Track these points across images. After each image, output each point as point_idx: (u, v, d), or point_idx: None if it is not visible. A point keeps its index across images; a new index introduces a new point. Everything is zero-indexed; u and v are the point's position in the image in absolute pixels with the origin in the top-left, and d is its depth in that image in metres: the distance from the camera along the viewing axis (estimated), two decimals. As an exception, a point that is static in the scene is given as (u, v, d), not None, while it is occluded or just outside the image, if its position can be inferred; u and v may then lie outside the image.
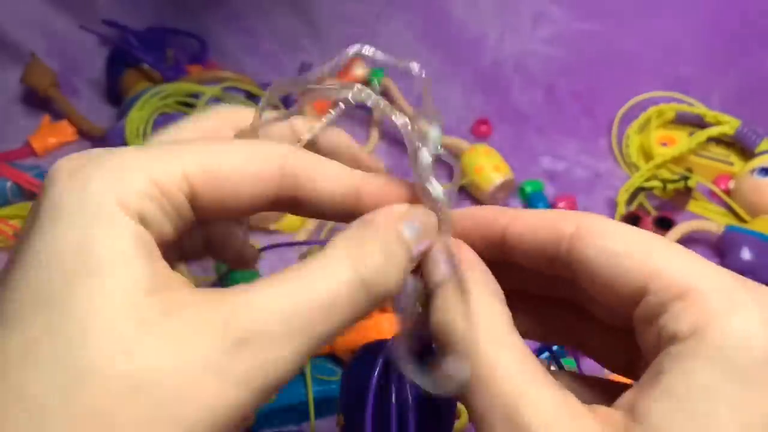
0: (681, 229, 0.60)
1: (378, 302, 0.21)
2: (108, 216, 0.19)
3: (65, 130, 0.71)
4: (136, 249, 0.19)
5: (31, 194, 0.63)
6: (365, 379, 0.24)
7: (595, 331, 0.25)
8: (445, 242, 0.23)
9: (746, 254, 0.59)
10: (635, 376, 0.21)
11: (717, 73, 0.75)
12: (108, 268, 0.18)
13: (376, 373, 0.24)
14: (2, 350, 0.18)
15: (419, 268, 0.23)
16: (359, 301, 0.20)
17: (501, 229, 0.23)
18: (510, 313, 0.22)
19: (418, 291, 0.23)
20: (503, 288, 0.23)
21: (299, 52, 0.79)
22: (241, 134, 0.26)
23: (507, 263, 0.24)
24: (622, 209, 0.65)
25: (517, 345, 0.20)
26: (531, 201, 0.66)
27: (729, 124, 0.69)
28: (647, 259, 0.21)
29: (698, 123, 0.72)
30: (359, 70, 0.76)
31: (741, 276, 0.20)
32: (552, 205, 0.66)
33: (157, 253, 0.20)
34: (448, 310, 0.21)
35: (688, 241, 0.62)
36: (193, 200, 0.21)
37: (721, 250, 0.61)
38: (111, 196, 0.19)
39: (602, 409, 0.20)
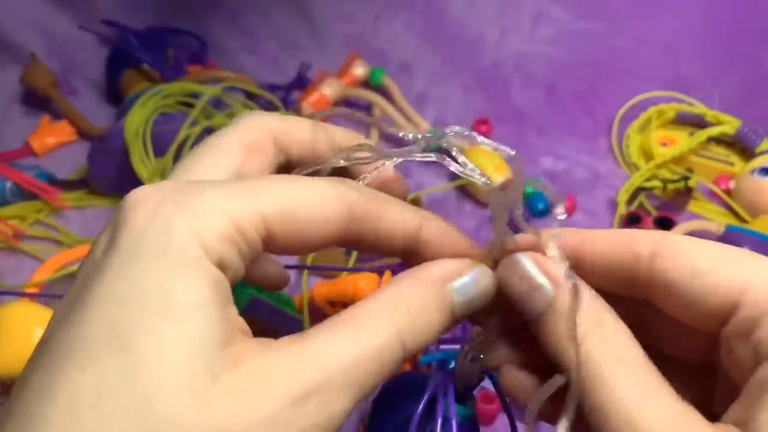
0: (681, 229, 0.60)
1: (414, 354, 0.21)
2: (191, 260, 0.19)
3: (65, 130, 0.71)
4: (213, 297, 0.19)
5: (29, 194, 0.63)
6: (404, 409, 0.25)
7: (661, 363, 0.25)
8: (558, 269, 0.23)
9: (747, 254, 0.59)
10: (707, 408, 0.21)
11: (717, 73, 0.74)
12: (186, 316, 0.18)
13: (419, 410, 0.25)
14: (75, 391, 0.17)
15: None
16: (398, 357, 0.21)
17: (571, 251, 0.23)
18: (627, 329, 0.21)
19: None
20: None
21: (299, 52, 0.79)
22: (301, 164, 0.26)
23: None
24: (622, 209, 0.65)
25: (639, 358, 0.20)
26: (531, 201, 0.66)
27: (729, 124, 0.69)
28: (736, 273, 0.21)
29: (698, 123, 0.72)
30: (359, 70, 0.76)
31: None
32: (552, 205, 0.66)
33: (230, 297, 0.20)
34: (561, 331, 0.21)
35: (688, 241, 0.62)
36: (267, 240, 0.21)
37: (721, 250, 0.61)
38: (194, 239, 0.19)
39: (721, 425, 0.20)
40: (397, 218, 0.23)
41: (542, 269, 0.22)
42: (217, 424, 0.17)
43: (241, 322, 0.20)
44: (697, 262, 0.21)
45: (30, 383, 0.18)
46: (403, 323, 0.21)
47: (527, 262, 0.23)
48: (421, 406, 0.24)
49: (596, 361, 0.20)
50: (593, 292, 0.22)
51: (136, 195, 0.20)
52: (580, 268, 0.23)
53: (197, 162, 0.24)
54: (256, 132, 0.25)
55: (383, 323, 0.21)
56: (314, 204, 0.21)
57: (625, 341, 0.21)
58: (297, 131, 0.26)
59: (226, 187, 0.21)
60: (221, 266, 0.20)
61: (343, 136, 0.27)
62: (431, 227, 0.23)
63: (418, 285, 0.22)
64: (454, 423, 0.24)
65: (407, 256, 0.24)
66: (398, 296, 0.21)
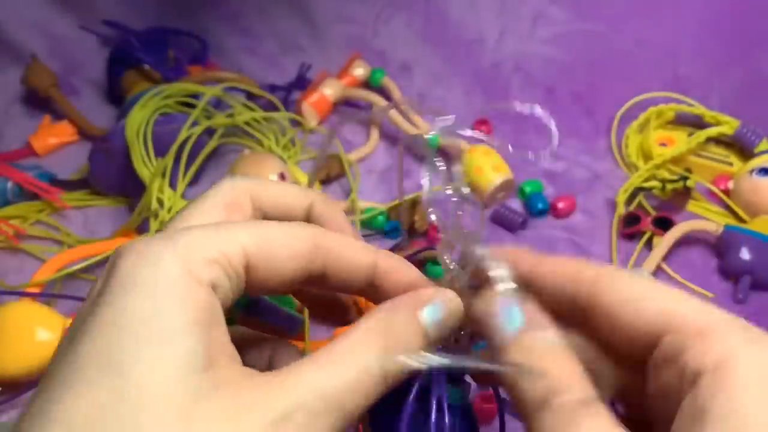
0: (680, 229, 0.60)
1: (396, 380, 0.23)
2: (178, 286, 0.21)
3: (66, 131, 0.71)
4: (200, 320, 0.21)
5: (31, 194, 0.63)
6: (397, 403, 0.25)
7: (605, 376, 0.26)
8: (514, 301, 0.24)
9: (745, 254, 0.59)
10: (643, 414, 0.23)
11: (716, 73, 0.75)
12: (172, 340, 0.20)
13: (410, 399, 0.25)
14: (70, 412, 0.19)
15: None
16: (379, 384, 0.22)
17: (526, 272, 0.25)
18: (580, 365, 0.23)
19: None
20: None
21: (299, 52, 0.79)
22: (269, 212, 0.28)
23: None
24: (621, 209, 0.65)
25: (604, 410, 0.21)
26: (530, 201, 0.66)
27: (728, 125, 0.69)
28: (663, 301, 0.22)
29: (697, 123, 0.72)
30: (359, 71, 0.76)
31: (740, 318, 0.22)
32: (552, 205, 0.66)
33: (221, 318, 0.22)
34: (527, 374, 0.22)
35: (687, 241, 0.62)
36: (247, 272, 0.23)
37: (720, 250, 0.61)
38: (182, 267, 0.21)
39: None
40: (357, 252, 0.25)
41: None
42: None
43: (230, 347, 0.22)
44: (629, 290, 0.23)
45: (31, 409, 0.20)
46: (381, 350, 0.22)
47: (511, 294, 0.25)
48: (414, 391, 0.25)
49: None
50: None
51: (127, 245, 0.22)
52: (533, 288, 0.25)
53: (184, 220, 0.25)
54: (235, 193, 0.27)
55: (362, 352, 0.22)
56: (284, 239, 0.24)
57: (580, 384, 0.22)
58: (270, 191, 0.28)
59: (210, 227, 0.23)
60: (213, 287, 0.21)
61: (318, 197, 0.29)
62: (385, 259, 0.26)
63: (393, 313, 0.24)
64: (445, 403, 0.25)
65: (369, 292, 0.26)
66: (375, 326, 0.23)
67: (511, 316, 0.23)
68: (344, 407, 0.21)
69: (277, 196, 0.28)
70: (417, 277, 0.27)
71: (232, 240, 0.22)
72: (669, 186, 0.64)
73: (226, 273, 0.22)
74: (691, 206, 0.66)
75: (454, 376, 0.26)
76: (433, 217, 0.28)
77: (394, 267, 0.26)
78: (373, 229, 0.63)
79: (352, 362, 0.22)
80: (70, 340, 0.20)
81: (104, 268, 0.22)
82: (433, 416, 0.25)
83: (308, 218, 0.28)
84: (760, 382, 0.20)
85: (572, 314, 0.24)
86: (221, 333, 0.21)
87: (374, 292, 0.26)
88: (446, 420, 0.25)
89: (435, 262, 0.60)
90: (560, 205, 0.66)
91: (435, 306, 0.25)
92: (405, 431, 0.24)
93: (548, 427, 0.21)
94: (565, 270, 0.25)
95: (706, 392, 0.20)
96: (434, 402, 0.25)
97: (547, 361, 0.22)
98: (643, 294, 0.23)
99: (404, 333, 0.23)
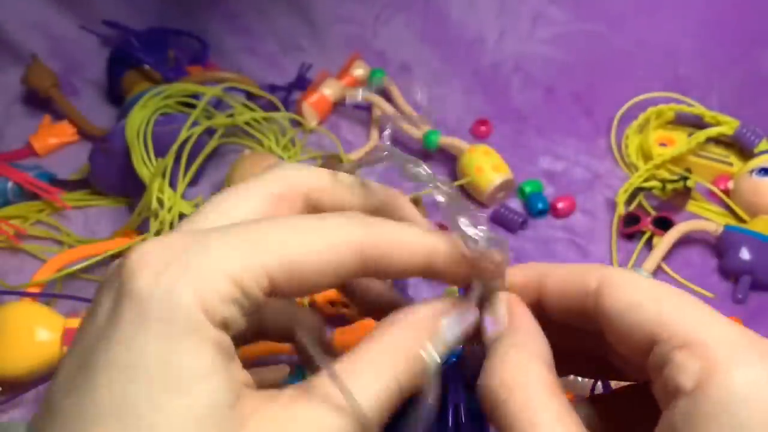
0: (680, 229, 0.60)
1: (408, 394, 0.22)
2: (194, 327, 0.19)
3: (66, 131, 0.72)
4: (217, 360, 0.20)
5: (31, 194, 0.63)
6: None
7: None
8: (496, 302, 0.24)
9: (745, 254, 0.59)
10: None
11: (716, 73, 0.75)
12: (191, 387, 0.19)
13: (430, 399, 0.25)
14: None
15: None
16: (396, 401, 0.22)
17: (536, 290, 0.25)
18: (551, 376, 0.22)
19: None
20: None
21: (299, 52, 0.79)
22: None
23: (544, 323, 0.25)
24: (621, 209, 0.65)
25: (555, 408, 0.21)
26: (530, 201, 0.66)
27: (728, 125, 0.69)
28: (657, 309, 0.21)
29: (697, 123, 0.72)
30: (359, 71, 0.76)
31: (749, 330, 0.21)
32: (552, 205, 0.66)
33: (234, 354, 0.21)
34: (491, 371, 0.22)
35: (687, 241, 0.62)
36: (271, 290, 0.21)
37: (720, 250, 0.61)
38: (197, 305, 0.19)
39: None
40: (410, 249, 0.23)
41: (508, 308, 0.24)
42: None
43: (244, 375, 0.21)
44: (626, 296, 0.22)
45: None
46: (401, 371, 0.22)
47: (499, 299, 0.25)
48: (432, 395, 0.25)
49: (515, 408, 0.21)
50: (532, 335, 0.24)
51: (138, 256, 0.20)
52: (542, 302, 0.25)
53: (221, 211, 0.23)
54: (285, 183, 0.25)
55: (383, 372, 0.21)
56: (320, 253, 0.22)
57: (541, 393, 0.22)
58: (317, 181, 0.25)
59: (229, 240, 0.21)
60: (224, 326, 0.20)
61: (381, 190, 0.26)
62: (439, 256, 0.24)
63: (413, 330, 0.23)
64: (462, 409, 0.25)
65: (429, 274, 0.24)
66: (395, 344, 0.22)
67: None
68: (365, 429, 0.21)
69: (333, 192, 0.25)
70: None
71: (253, 263, 0.21)
72: (669, 186, 0.64)
73: (240, 308, 0.21)
74: (691, 206, 0.66)
75: (470, 382, 0.26)
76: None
77: (451, 260, 0.24)
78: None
79: (373, 383, 0.21)
80: (78, 376, 0.19)
81: (111, 277, 0.21)
82: (450, 420, 0.25)
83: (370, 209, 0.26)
84: (733, 416, 0.19)
85: (584, 323, 0.24)
86: (236, 367, 0.21)
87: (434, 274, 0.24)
88: (464, 424, 0.25)
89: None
90: (560, 205, 0.66)
91: (453, 321, 0.24)
92: None
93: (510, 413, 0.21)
94: (571, 279, 0.24)
95: (678, 418, 0.20)
96: (451, 408, 0.25)
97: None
98: (641, 300, 0.22)
99: (408, 365, 0.22)
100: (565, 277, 0.24)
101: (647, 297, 0.22)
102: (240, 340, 0.22)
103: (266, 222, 0.22)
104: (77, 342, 0.20)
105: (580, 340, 0.25)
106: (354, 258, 0.22)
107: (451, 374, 0.25)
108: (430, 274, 0.24)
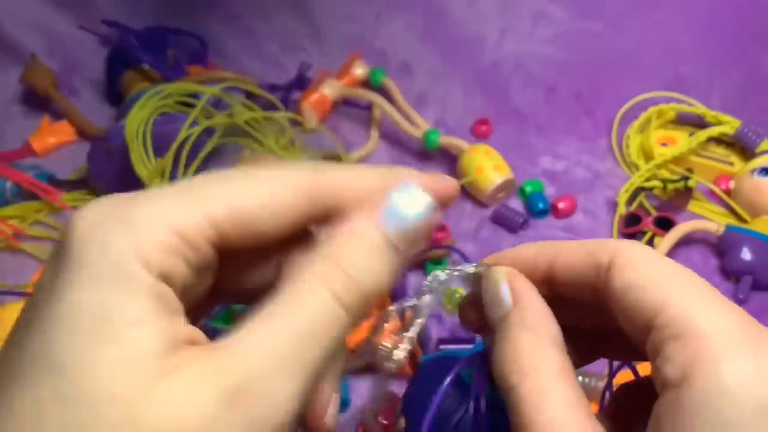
0: (681, 229, 0.60)
1: (364, 310, 0.21)
2: (127, 277, 0.19)
3: (65, 130, 0.71)
4: (153, 311, 0.19)
5: (30, 194, 0.63)
6: (433, 387, 0.25)
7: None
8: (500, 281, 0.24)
9: (746, 254, 0.59)
10: None
11: (717, 73, 0.75)
12: (121, 335, 0.18)
13: (444, 387, 0.25)
14: (13, 416, 0.18)
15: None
16: (343, 319, 0.20)
17: (547, 265, 0.24)
18: (561, 356, 0.22)
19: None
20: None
21: (299, 52, 0.79)
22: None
23: (555, 299, 0.24)
24: (622, 209, 0.65)
25: (563, 392, 0.21)
26: (531, 201, 0.66)
27: (729, 124, 0.69)
28: (658, 292, 0.20)
29: (698, 123, 0.72)
30: (359, 70, 0.76)
31: (751, 319, 0.20)
32: (552, 205, 0.66)
33: (175, 307, 0.20)
34: (501, 354, 0.22)
35: (688, 241, 0.62)
36: (220, 242, 0.21)
37: (721, 250, 0.61)
38: (131, 255, 0.19)
39: None
40: (360, 186, 0.22)
41: (511, 286, 0.24)
42: None
43: (190, 332, 0.20)
44: (632, 275, 0.21)
45: None
46: (337, 282, 0.20)
47: (498, 276, 0.24)
48: (447, 381, 0.25)
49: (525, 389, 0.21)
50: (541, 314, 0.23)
51: (81, 213, 0.20)
52: (553, 279, 0.24)
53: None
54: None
55: (313, 290, 0.20)
56: (266, 198, 0.21)
57: (550, 372, 0.21)
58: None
59: (172, 193, 0.20)
60: (166, 278, 0.20)
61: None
62: (399, 177, 0.22)
63: (345, 235, 0.21)
64: (483, 402, 0.25)
65: None
66: (326, 255, 0.21)
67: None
68: (303, 359, 0.19)
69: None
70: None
71: (196, 213, 0.20)
72: (670, 186, 0.64)
73: (184, 259, 0.20)
74: (692, 206, 0.66)
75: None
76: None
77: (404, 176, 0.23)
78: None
79: (303, 305, 0.20)
80: (15, 331, 0.19)
81: (58, 238, 0.20)
82: (471, 408, 0.25)
83: None
84: (717, 411, 0.18)
85: (597, 301, 0.23)
86: (178, 321, 0.20)
87: None
88: (484, 413, 0.25)
89: (435, 262, 0.60)
90: (561, 205, 0.66)
91: (394, 204, 0.21)
92: (436, 411, 0.24)
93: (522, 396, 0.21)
94: (584, 255, 0.23)
95: (662, 410, 0.19)
96: (473, 397, 0.25)
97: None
98: (646, 280, 0.21)
99: (363, 254, 0.21)
100: (577, 251, 0.23)
101: (652, 278, 0.21)
102: (194, 294, 0.22)
103: (212, 176, 0.22)
104: (27, 302, 0.20)
105: (597, 318, 0.24)
106: (302, 200, 0.21)
107: (475, 364, 0.25)
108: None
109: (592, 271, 0.23)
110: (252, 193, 0.21)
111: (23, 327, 0.19)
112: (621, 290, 0.21)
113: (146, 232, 0.19)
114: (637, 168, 0.69)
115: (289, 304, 0.20)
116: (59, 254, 0.20)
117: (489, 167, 0.65)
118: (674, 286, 0.21)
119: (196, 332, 0.20)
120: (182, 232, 0.20)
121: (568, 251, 0.24)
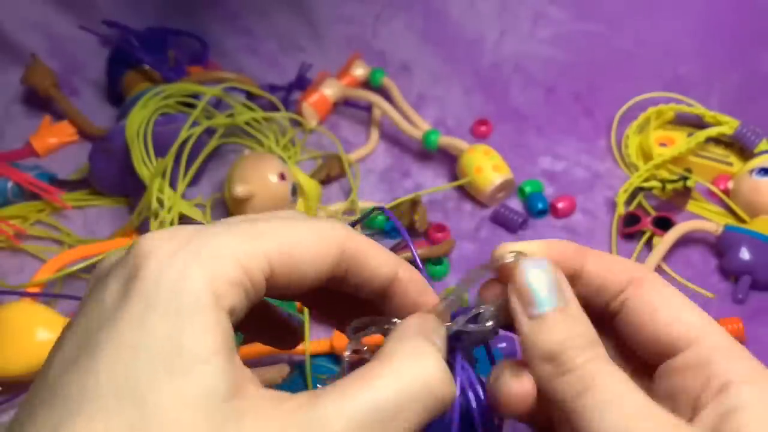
0: (680, 229, 0.60)
1: (443, 406, 0.21)
2: (203, 309, 0.19)
3: (66, 131, 0.71)
4: (222, 346, 0.19)
5: (31, 194, 0.63)
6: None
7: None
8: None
9: (745, 254, 0.59)
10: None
11: (716, 73, 0.75)
12: (194, 369, 0.19)
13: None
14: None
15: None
16: (425, 401, 0.21)
17: (580, 265, 0.25)
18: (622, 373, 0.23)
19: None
20: None
21: (299, 52, 0.79)
22: None
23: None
24: (621, 209, 0.65)
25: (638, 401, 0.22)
26: (530, 201, 0.66)
27: (728, 125, 0.69)
28: (694, 320, 0.24)
29: (697, 123, 0.72)
30: (359, 71, 0.76)
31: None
32: (552, 205, 0.66)
33: (234, 342, 0.21)
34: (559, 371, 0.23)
35: (687, 241, 0.62)
36: (269, 279, 0.22)
37: (720, 250, 0.61)
38: (208, 288, 0.20)
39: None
40: (382, 258, 0.25)
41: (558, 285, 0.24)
42: None
43: (249, 371, 0.20)
44: (666, 301, 0.24)
45: (36, 426, 0.18)
46: (424, 368, 0.21)
47: (548, 268, 0.24)
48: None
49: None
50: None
51: (149, 243, 0.21)
52: (577, 280, 0.25)
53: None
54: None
55: (403, 371, 0.21)
56: (310, 242, 0.23)
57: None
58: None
59: (233, 230, 0.22)
60: (230, 313, 0.20)
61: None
62: (406, 271, 0.26)
63: (424, 337, 0.23)
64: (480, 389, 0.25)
65: (379, 297, 0.26)
66: (412, 346, 0.22)
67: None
68: (399, 419, 0.20)
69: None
70: (430, 291, 0.26)
71: (257, 249, 0.21)
72: (669, 186, 0.64)
73: (247, 295, 0.21)
74: (691, 206, 0.66)
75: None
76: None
77: (414, 276, 0.26)
78: (373, 229, 0.63)
79: (392, 380, 0.20)
80: (81, 354, 0.19)
81: (118, 263, 0.21)
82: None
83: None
84: None
85: (602, 311, 0.25)
86: (237, 359, 0.20)
87: (385, 298, 0.26)
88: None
89: (435, 262, 0.60)
90: (560, 205, 0.66)
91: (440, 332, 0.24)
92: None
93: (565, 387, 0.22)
94: (616, 269, 0.25)
95: (736, 398, 0.21)
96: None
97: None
98: (676, 308, 0.24)
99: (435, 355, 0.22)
100: (610, 265, 0.25)
101: (681, 307, 0.24)
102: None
103: (264, 216, 0.24)
104: (77, 323, 0.20)
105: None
106: (337, 253, 0.23)
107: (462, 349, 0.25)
108: (392, 289, 0.25)
109: (621, 285, 0.25)
110: (301, 235, 0.23)
111: (84, 351, 0.19)
112: (649, 310, 0.24)
113: (218, 266, 0.20)
114: (636, 168, 0.69)
115: (377, 376, 0.21)
116: (130, 283, 0.20)
117: (488, 167, 0.65)
118: (703, 315, 0.24)
119: (250, 375, 0.20)
120: (247, 267, 0.21)
121: (601, 261, 0.25)
